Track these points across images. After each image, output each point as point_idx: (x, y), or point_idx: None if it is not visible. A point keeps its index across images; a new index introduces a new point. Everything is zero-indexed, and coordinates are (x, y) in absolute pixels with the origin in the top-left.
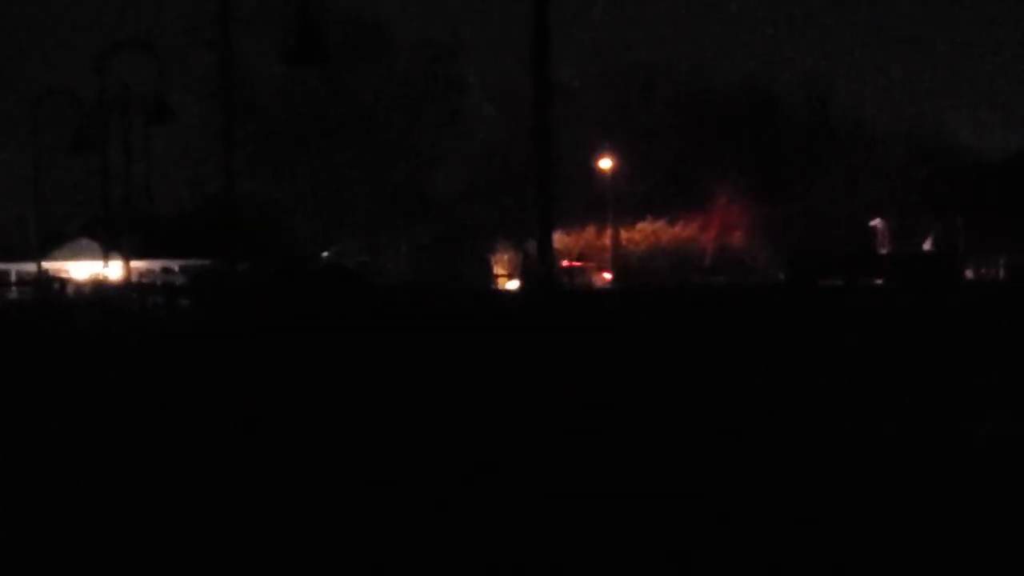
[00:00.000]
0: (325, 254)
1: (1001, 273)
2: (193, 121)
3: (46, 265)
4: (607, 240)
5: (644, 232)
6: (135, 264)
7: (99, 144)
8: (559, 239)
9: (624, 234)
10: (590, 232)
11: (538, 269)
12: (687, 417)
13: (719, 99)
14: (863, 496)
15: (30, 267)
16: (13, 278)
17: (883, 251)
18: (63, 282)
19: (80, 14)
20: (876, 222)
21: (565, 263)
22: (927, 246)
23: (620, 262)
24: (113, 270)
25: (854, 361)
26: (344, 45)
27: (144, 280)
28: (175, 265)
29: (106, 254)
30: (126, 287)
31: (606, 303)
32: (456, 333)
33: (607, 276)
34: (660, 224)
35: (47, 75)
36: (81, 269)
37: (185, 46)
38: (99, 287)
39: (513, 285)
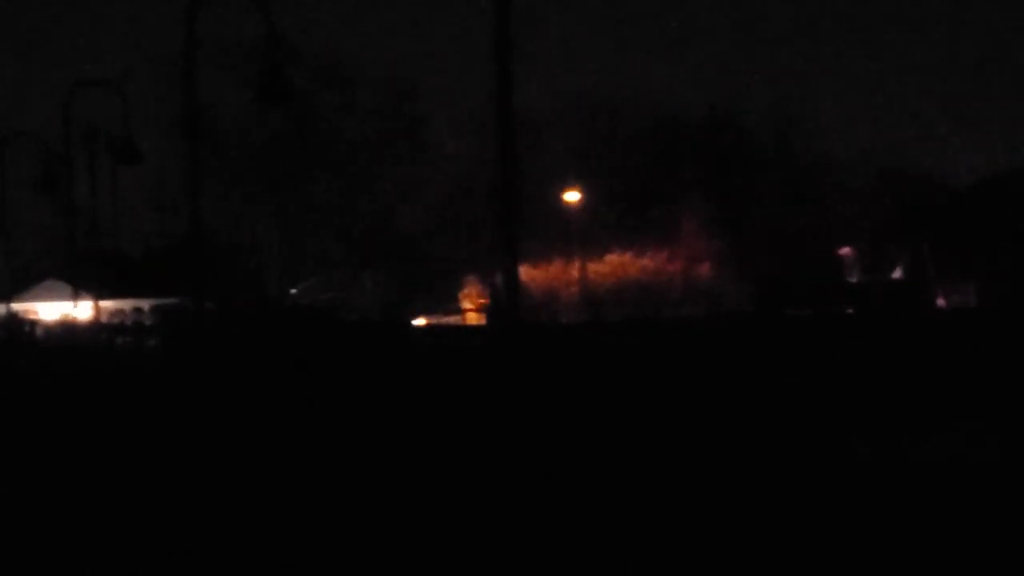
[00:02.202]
0: (293, 291)
1: (973, 300)
2: (159, 158)
3: (14, 306)
4: (575, 272)
5: (612, 264)
6: (104, 304)
7: (65, 183)
8: (526, 272)
9: (591, 267)
10: (557, 265)
11: (503, 303)
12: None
13: (685, 129)
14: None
15: None
16: None
17: (852, 280)
18: (32, 323)
19: (46, 53)
20: (845, 251)
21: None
22: (897, 274)
23: (587, 294)
24: (82, 310)
25: (820, 388)
26: (309, 83)
27: (113, 320)
28: (144, 304)
29: (75, 294)
30: (95, 327)
31: (569, 341)
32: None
33: None
34: (627, 256)
35: (12, 116)
36: (50, 310)
37: (152, 83)
38: (68, 328)
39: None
